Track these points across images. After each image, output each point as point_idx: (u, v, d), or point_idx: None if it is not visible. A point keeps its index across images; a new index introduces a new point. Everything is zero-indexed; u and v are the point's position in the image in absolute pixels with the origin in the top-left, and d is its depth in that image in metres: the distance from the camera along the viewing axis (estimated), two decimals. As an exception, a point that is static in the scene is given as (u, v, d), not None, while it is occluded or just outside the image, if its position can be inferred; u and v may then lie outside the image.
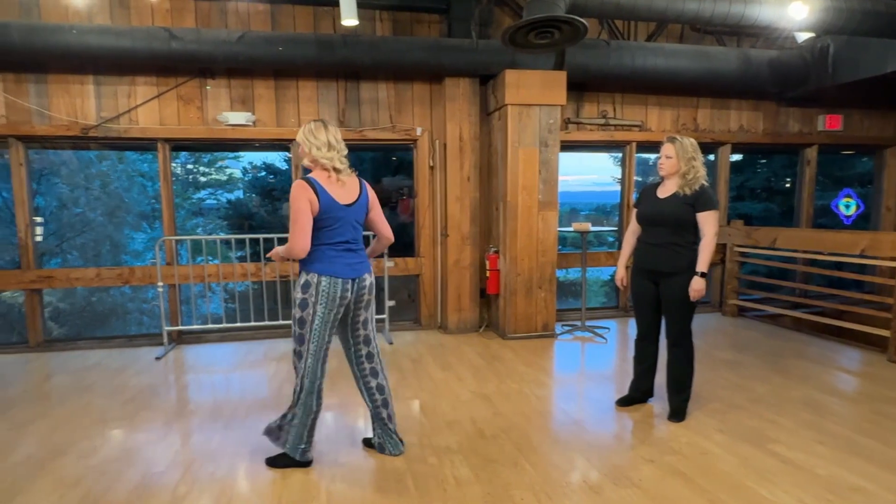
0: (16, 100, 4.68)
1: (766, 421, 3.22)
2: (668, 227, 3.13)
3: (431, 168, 5.40)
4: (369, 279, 2.71)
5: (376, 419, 2.84)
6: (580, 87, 5.63)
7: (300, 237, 2.48)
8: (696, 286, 3.03)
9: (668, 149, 3.12)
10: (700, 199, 3.05)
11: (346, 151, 2.61)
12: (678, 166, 3.09)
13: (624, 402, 3.47)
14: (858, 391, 3.81)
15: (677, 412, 3.24)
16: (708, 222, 3.05)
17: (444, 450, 2.90)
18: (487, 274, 5.33)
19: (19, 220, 4.84)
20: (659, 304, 3.24)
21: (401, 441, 2.88)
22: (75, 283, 5.03)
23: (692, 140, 3.12)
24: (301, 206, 2.45)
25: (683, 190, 3.08)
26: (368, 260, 2.75)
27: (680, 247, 3.10)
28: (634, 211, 3.37)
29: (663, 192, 3.18)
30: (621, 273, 3.44)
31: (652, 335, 3.35)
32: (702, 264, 3.04)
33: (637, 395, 3.47)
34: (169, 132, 4.94)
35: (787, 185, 7.93)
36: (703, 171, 3.10)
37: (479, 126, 5.34)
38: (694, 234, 3.11)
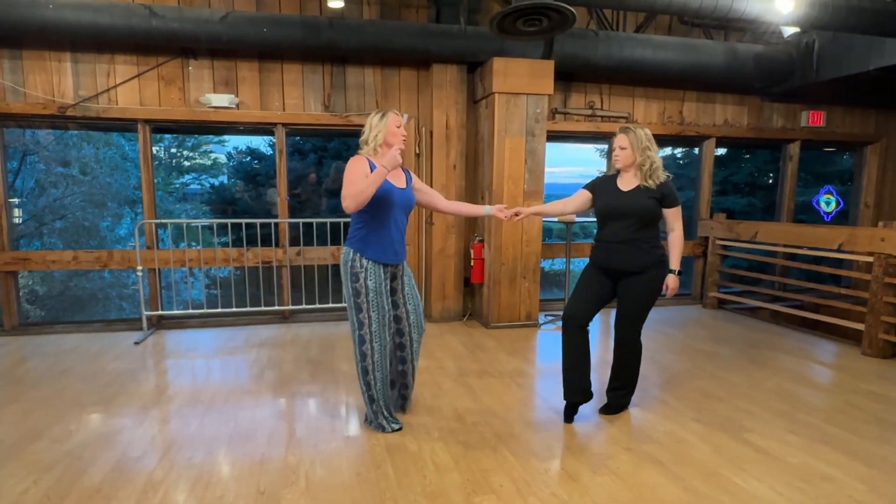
0: (-10, 76, 4.55)
1: (741, 411, 3.27)
2: (632, 221, 2.99)
3: (417, 155, 5.37)
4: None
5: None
6: (568, 77, 5.61)
7: None
8: (673, 284, 3.00)
9: (621, 139, 3.02)
10: (669, 195, 2.98)
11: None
12: (633, 157, 3.00)
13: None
14: (831, 383, 3.89)
15: (613, 407, 3.21)
16: (677, 218, 3.02)
17: (425, 436, 2.91)
18: (472, 263, 5.33)
19: (-6, 200, 4.73)
20: (603, 300, 3.11)
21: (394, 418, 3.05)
22: (52, 265, 4.93)
23: (647, 131, 3.02)
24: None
25: (646, 182, 2.98)
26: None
27: (645, 243, 2.99)
28: (581, 191, 3.19)
29: (625, 185, 3.05)
30: (523, 210, 3.14)
31: (580, 323, 3.07)
32: (675, 261, 3.01)
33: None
34: (149, 113, 4.84)
35: (770, 181, 8.01)
36: (659, 162, 3.01)
37: (466, 114, 5.31)
38: (657, 229, 3.06)
